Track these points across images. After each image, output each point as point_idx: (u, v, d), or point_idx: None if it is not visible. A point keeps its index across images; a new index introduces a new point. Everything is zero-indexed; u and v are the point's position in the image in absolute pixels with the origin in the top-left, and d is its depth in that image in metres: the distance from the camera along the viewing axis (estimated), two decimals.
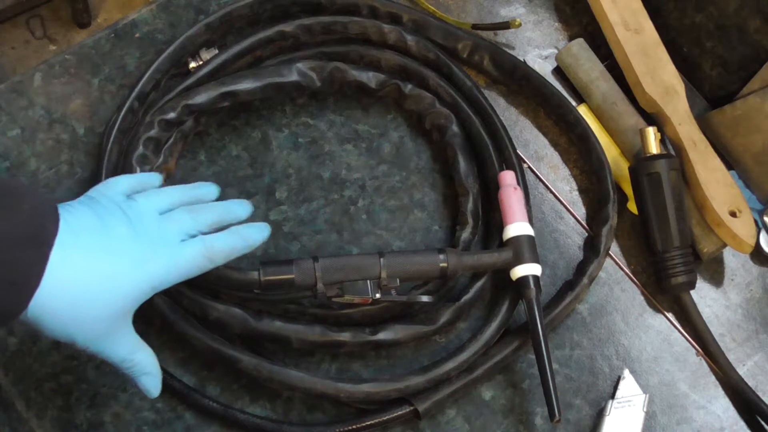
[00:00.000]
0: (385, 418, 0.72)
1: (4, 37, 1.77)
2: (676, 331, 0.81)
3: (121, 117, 0.77)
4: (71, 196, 0.78)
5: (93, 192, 0.65)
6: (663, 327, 0.82)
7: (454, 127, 0.82)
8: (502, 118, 0.86)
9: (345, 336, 0.73)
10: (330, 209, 0.81)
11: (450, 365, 0.73)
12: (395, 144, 0.85)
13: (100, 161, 0.76)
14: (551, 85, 0.86)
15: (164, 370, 0.69)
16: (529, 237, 0.76)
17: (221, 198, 0.72)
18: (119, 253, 0.61)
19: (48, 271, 0.56)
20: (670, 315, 0.82)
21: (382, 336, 0.73)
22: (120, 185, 0.66)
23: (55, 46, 1.78)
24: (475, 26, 0.90)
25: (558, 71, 0.90)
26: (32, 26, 1.79)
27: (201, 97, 0.77)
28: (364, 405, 0.73)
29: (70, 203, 0.62)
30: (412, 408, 0.72)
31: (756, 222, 0.84)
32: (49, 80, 0.82)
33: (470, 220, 0.79)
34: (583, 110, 0.87)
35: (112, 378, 0.73)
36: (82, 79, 0.83)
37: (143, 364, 0.64)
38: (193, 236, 0.65)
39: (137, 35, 0.85)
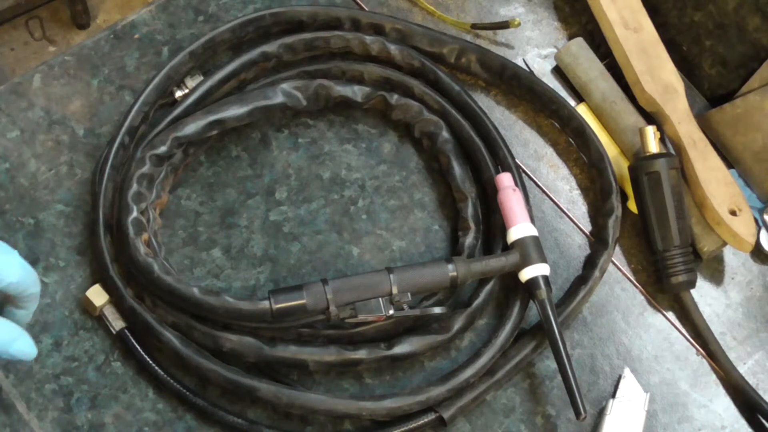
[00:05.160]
0: (411, 426, 0.72)
1: (4, 39, 1.77)
2: (677, 330, 0.81)
3: (113, 153, 0.76)
4: (71, 197, 0.78)
5: None
6: (663, 326, 0.82)
7: (445, 134, 0.82)
8: (501, 119, 0.86)
9: (361, 353, 0.73)
10: (330, 209, 0.81)
11: (469, 372, 0.73)
12: (395, 144, 0.85)
13: (95, 198, 0.76)
14: (542, 82, 0.86)
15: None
16: (534, 237, 0.76)
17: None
18: None
19: None
20: (670, 314, 0.82)
21: (398, 350, 0.73)
22: None
23: (55, 47, 1.78)
24: (474, 26, 0.90)
25: (557, 70, 0.90)
26: (31, 27, 1.79)
27: (189, 128, 0.76)
28: (388, 420, 0.73)
29: None
30: (437, 415, 0.72)
31: (756, 220, 0.84)
32: (48, 81, 0.82)
33: (472, 225, 0.79)
34: (582, 109, 0.87)
35: (113, 379, 0.73)
36: (82, 81, 0.83)
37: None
38: None
39: (136, 36, 0.85)
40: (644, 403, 0.77)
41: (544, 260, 0.76)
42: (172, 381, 0.72)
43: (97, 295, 0.73)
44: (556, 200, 0.85)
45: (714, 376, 0.80)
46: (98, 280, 0.75)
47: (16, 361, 0.66)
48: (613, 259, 0.83)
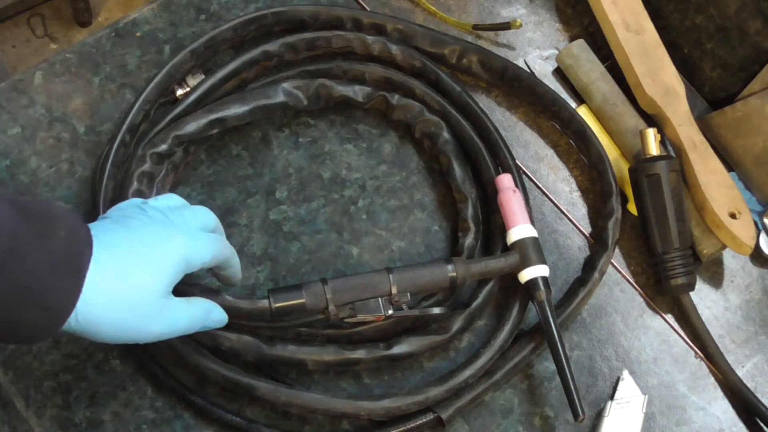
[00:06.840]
0: (409, 426, 0.72)
1: (5, 36, 1.77)
2: (676, 332, 0.82)
3: (113, 151, 0.76)
4: (71, 194, 0.78)
5: (112, 208, 0.66)
6: (662, 328, 0.82)
7: (446, 134, 0.82)
8: (502, 120, 0.86)
9: (360, 353, 0.73)
10: (330, 209, 0.81)
11: (467, 373, 0.73)
12: (395, 144, 0.85)
13: (95, 196, 0.76)
14: (543, 83, 0.86)
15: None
16: (534, 239, 0.76)
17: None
18: (147, 240, 0.61)
19: (85, 290, 0.57)
20: (669, 316, 0.82)
21: (396, 350, 0.73)
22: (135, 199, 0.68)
23: (56, 44, 1.78)
24: (476, 27, 0.90)
25: (558, 72, 0.90)
26: (33, 25, 1.79)
27: (190, 127, 0.77)
28: (386, 420, 0.73)
29: (98, 221, 0.64)
30: (435, 415, 0.72)
31: (756, 223, 0.84)
32: (49, 79, 0.82)
33: (472, 226, 0.79)
34: (583, 111, 0.87)
35: (112, 376, 0.73)
36: (83, 78, 0.83)
37: (200, 318, 0.66)
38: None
39: (138, 34, 0.85)
40: (642, 405, 0.77)
41: (543, 261, 0.76)
42: (170, 379, 0.72)
43: None
44: (556, 202, 0.85)
45: (712, 379, 0.80)
46: None
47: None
48: (612, 261, 0.83)
